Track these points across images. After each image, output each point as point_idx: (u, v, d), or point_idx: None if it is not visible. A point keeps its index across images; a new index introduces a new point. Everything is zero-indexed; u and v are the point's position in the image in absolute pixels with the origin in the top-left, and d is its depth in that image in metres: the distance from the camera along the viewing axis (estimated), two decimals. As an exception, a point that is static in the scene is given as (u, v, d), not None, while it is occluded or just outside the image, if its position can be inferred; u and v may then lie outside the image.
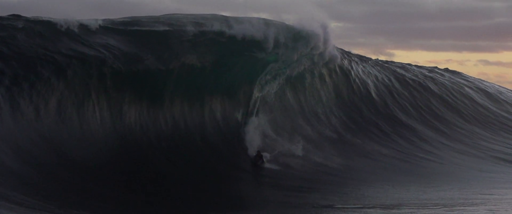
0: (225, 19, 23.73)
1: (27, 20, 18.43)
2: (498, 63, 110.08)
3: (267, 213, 14.35)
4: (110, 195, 14.16)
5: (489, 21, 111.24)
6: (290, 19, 25.95)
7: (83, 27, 19.10)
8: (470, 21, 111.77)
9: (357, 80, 28.31)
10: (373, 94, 28.16)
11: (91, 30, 19.25)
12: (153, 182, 15.70)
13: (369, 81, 29.02)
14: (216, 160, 18.59)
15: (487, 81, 39.82)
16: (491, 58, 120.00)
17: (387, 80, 30.44)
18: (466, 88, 35.03)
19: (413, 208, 13.89)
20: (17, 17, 18.45)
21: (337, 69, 27.50)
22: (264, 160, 18.97)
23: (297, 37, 24.74)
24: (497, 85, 40.19)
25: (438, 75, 35.03)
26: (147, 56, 19.54)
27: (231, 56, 22.10)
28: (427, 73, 34.44)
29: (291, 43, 24.28)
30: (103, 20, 20.34)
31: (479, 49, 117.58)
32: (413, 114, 28.53)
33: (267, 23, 24.18)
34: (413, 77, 32.27)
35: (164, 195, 14.92)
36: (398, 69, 32.53)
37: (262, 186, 17.74)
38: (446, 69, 38.22)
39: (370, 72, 29.91)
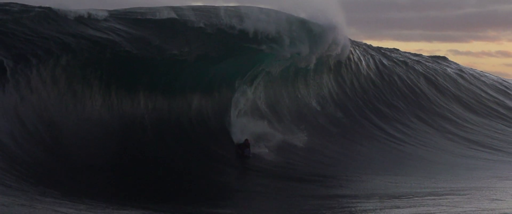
0: (237, 11, 22.95)
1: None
2: (468, 53, 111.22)
3: (259, 204, 14.04)
4: (96, 182, 13.94)
5: (459, 11, 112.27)
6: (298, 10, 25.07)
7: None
8: (441, 12, 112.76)
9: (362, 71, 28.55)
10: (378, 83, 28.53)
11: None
12: (143, 172, 15.44)
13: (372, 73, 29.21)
14: (211, 149, 18.31)
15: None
16: (461, 48, 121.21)
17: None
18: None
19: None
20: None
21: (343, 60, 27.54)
22: (251, 150, 18.48)
23: (310, 33, 23.91)
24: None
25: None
26: (147, 45, 19.08)
27: (231, 49, 21.48)
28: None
29: (304, 40, 23.52)
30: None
31: (449, 39, 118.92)
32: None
33: (278, 17, 23.21)
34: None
35: (153, 186, 14.65)
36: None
37: (251, 174, 17.38)
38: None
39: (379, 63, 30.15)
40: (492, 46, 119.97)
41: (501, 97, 34.96)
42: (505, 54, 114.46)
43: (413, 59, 34.60)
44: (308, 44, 23.97)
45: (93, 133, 16.06)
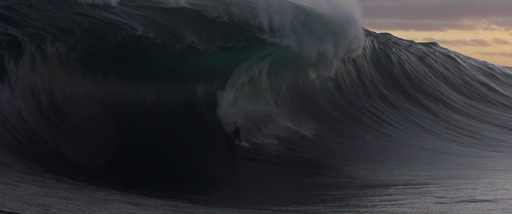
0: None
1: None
2: (444, 42, 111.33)
3: (250, 191, 14.55)
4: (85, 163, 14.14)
5: (435, 0, 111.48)
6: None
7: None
8: (417, 0, 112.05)
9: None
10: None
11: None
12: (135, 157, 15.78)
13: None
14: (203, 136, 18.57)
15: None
16: (437, 36, 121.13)
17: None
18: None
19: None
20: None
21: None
22: (242, 137, 18.80)
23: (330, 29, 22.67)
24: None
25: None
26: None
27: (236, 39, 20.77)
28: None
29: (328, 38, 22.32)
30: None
31: (425, 28, 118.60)
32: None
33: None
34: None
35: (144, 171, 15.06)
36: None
37: (241, 162, 18.01)
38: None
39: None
40: (467, 35, 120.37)
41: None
42: (480, 43, 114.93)
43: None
44: (333, 43, 22.40)
45: (94, 113, 16.40)
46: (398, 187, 13.98)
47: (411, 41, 36.82)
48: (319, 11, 23.08)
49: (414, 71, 32.20)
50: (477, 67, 38.07)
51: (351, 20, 23.67)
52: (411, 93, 29.65)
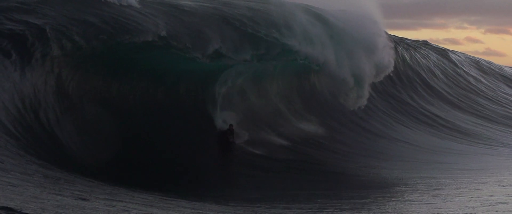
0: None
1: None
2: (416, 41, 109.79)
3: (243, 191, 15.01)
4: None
5: None
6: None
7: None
8: None
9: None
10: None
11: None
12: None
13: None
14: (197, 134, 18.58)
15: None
16: (409, 35, 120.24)
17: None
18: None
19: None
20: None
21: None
22: (235, 136, 18.54)
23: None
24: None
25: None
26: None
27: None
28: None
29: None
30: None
31: (397, 27, 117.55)
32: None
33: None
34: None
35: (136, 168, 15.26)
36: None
37: (235, 159, 18.38)
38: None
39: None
40: (439, 34, 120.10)
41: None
42: (452, 41, 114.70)
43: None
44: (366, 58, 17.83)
45: (94, 112, 16.37)
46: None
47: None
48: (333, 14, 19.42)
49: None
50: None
51: (377, 24, 18.96)
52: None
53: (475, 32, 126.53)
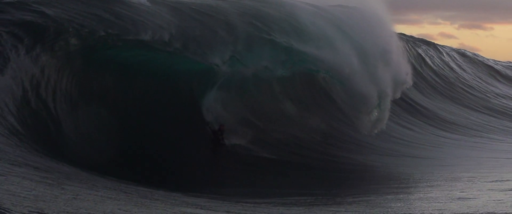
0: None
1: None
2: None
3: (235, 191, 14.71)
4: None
5: None
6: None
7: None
8: None
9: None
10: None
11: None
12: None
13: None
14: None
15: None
16: None
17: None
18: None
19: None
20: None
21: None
22: (226, 136, 18.22)
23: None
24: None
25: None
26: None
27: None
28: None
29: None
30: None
31: None
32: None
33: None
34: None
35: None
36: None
37: (225, 159, 18.37)
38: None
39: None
40: (413, 30, 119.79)
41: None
42: (426, 37, 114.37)
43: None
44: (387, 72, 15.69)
45: (95, 111, 16.55)
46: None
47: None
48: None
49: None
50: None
51: (391, 30, 16.78)
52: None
53: (449, 28, 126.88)
